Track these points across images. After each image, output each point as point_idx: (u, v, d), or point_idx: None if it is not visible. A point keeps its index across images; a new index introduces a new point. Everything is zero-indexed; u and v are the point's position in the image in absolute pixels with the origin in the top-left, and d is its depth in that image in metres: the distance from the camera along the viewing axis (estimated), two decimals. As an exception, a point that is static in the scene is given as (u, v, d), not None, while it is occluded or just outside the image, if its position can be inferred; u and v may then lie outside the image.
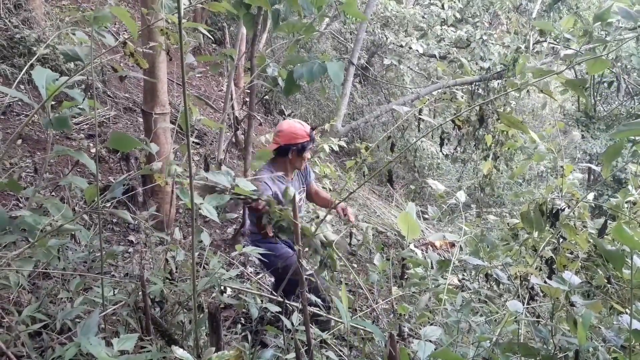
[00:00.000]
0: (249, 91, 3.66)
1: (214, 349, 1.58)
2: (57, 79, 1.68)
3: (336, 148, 5.23)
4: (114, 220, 3.89)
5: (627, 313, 1.89)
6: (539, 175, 9.36)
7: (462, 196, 2.67)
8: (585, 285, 2.71)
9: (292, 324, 1.86)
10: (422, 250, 5.23)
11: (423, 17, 8.39)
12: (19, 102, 4.60)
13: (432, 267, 2.38)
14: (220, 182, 1.73)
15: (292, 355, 1.79)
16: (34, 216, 1.73)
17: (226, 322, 2.92)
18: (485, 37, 7.23)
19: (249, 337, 2.11)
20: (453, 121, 2.40)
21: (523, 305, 1.84)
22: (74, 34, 1.84)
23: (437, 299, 2.32)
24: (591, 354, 1.81)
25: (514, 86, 2.27)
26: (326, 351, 1.93)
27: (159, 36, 2.54)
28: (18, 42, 4.82)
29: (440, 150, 8.30)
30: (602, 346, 1.74)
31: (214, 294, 2.04)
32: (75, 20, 5.61)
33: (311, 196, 3.40)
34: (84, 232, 2.08)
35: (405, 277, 2.86)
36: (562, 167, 2.62)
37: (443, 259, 2.40)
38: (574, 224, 2.53)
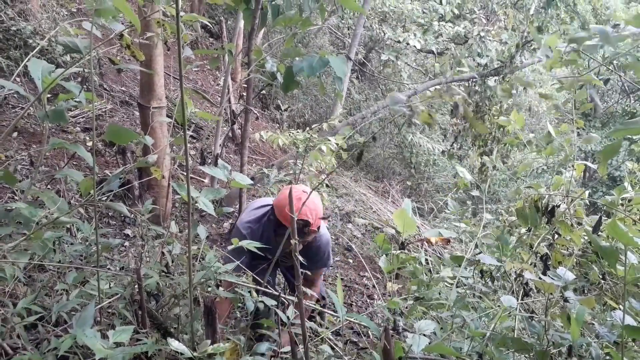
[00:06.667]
0: (246, 85, 3.65)
1: (209, 341, 1.59)
2: (53, 71, 1.67)
3: (334, 148, 5.16)
4: (110, 213, 3.89)
5: (620, 309, 1.91)
6: (536, 172, 9.38)
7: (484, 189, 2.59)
8: (580, 281, 2.72)
9: (288, 317, 1.87)
10: (418, 245, 5.24)
11: (424, 12, 8.37)
12: (15, 95, 4.57)
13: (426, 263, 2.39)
14: (216, 176, 1.73)
15: (287, 348, 1.79)
16: (29, 209, 1.72)
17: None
18: (482, 34, 7.23)
19: (240, 328, 2.12)
20: (451, 112, 2.40)
21: (517, 300, 1.85)
22: (75, 26, 1.83)
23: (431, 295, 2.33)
24: (584, 350, 1.82)
25: (508, 85, 2.27)
26: (320, 345, 1.93)
27: (156, 28, 2.53)
28: (14, 34, 4.79)
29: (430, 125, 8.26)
30: (595, 342, 1.75)
31: (209, 288, 2.04)
32: (72, 12, 5.58)
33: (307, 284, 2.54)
34: (85, 226, 2.07)
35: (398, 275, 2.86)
36: (572, 165, 2.60)
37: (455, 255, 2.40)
38: (570, 220, 2.53)
